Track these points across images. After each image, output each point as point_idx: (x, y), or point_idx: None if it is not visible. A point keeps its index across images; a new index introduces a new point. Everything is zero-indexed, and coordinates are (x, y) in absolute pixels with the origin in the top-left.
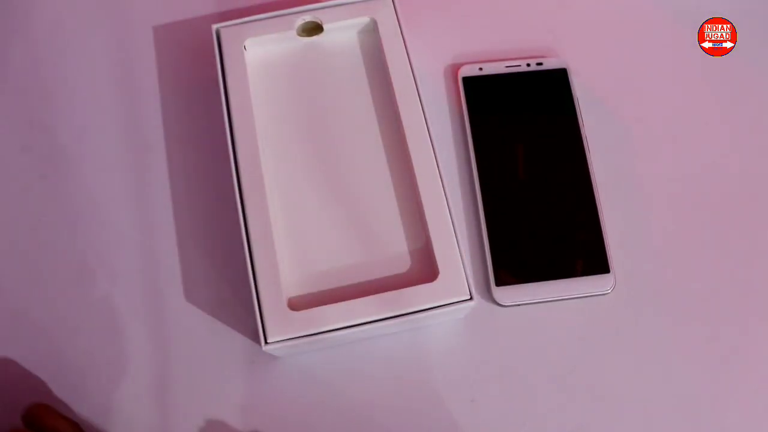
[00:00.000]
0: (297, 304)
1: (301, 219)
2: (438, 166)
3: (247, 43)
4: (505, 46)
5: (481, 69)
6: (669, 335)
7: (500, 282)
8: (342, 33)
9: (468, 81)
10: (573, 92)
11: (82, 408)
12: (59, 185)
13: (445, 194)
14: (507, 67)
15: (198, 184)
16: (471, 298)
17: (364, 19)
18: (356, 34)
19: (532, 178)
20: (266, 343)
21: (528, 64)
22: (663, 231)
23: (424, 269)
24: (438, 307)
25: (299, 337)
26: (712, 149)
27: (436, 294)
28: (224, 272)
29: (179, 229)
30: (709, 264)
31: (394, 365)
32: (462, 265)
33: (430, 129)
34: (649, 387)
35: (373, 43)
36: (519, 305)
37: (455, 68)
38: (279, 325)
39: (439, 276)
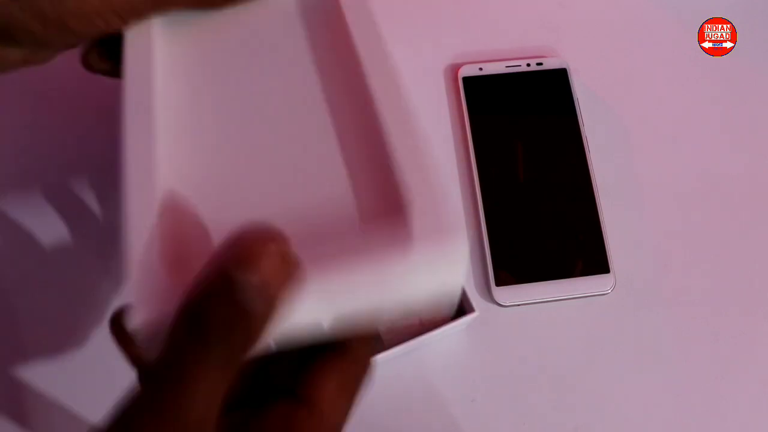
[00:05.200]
0: None
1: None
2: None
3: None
4: (505, 46)
5: (481, 69)
6: (669, 335)
7: (500, 282)
8: None
9: (468, 81)
10: (573, 92)
11: None
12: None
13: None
14: (507, 67)
15: None
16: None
17: None
18: None
19: (532, 178)
20: None
21: (528, 64)
22: (663, 231)
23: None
24: None
25: None
26: (712, 149)
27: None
28: None
29: None
30: (710, 264)
31: (393, 365)
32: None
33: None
34: (649, 387)
35: None
36: (519, 305)
37: (455, 68)
38: None
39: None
